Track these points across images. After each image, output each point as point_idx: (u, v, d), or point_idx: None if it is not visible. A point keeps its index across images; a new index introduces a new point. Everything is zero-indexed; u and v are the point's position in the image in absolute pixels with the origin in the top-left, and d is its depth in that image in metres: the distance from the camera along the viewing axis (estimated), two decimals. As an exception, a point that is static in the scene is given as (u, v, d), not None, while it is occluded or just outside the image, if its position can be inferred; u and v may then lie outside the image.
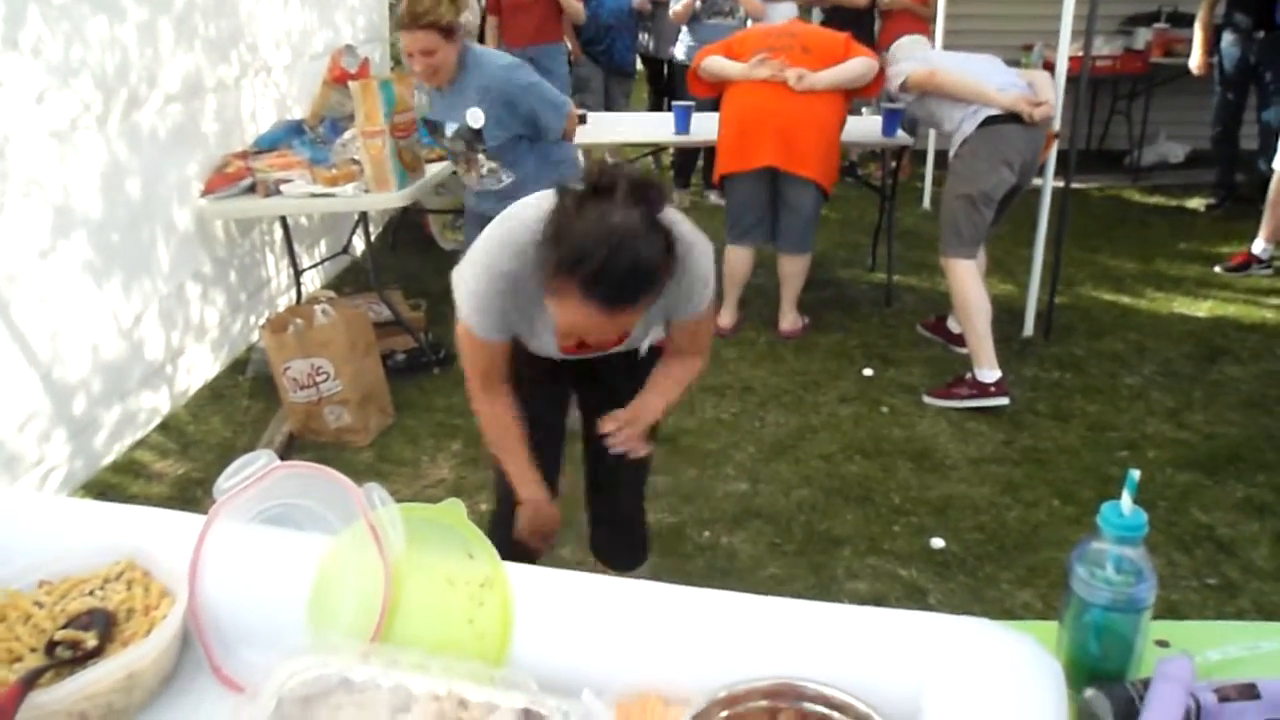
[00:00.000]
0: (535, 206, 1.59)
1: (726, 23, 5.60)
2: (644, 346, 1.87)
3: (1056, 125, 3.91)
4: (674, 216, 1.56)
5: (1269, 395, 3.64)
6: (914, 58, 3.83)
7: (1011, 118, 3.56)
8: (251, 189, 3.79)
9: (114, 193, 3.27)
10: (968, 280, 3.65)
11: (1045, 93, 3.66)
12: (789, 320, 4.35)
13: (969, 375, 3.66)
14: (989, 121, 3.58)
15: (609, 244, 1.38)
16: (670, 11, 5.82)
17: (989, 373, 3.61)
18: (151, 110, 3.50)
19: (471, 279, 1.65)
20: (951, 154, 3.75)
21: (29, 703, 0.99)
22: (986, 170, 3.59)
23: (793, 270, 4.27)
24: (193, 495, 3.13)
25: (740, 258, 4.26)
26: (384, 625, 1.11)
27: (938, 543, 2.80)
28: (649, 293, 1.46)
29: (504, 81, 3.01)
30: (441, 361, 4.05)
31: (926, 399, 3.69)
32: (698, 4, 5.61)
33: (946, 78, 3.65)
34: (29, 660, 1.09)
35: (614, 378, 1.93)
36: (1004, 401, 3.59)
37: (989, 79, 3.64)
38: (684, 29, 5.79)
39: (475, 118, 3.03)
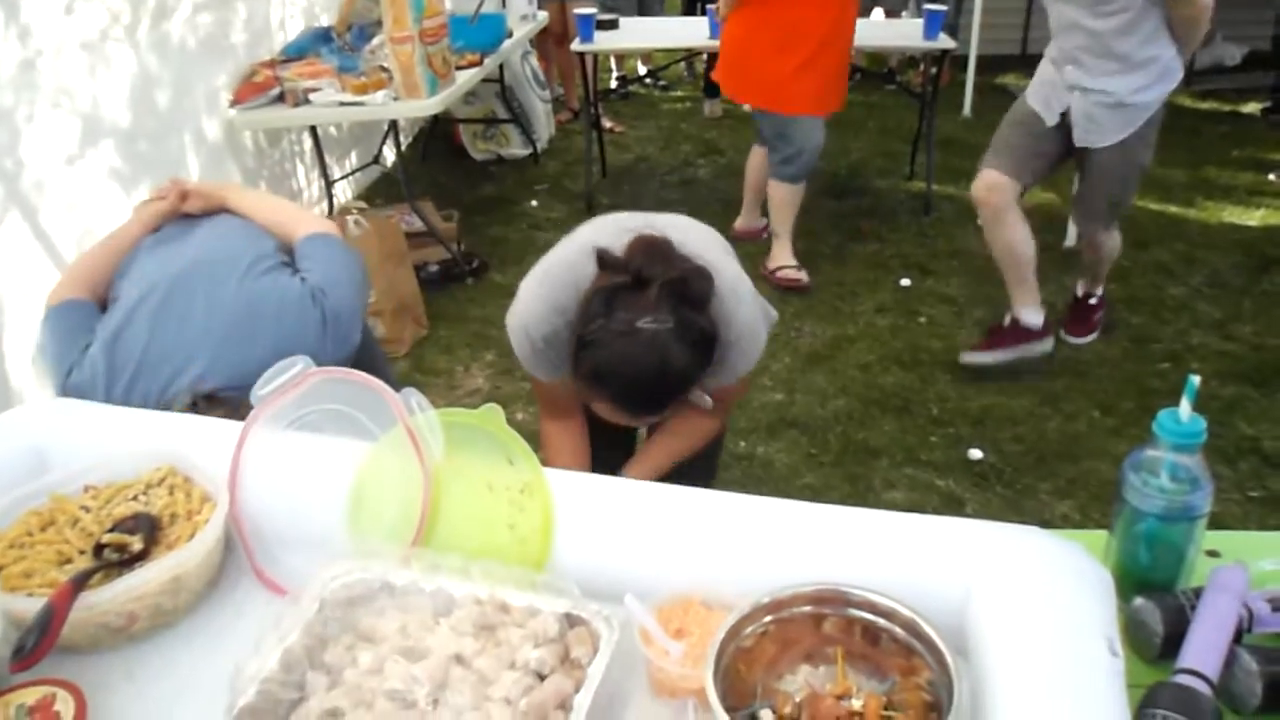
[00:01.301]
0: (572, 265, 1.51)
1: None
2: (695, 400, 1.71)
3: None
4: (729, 299, 1.48)
5: (1321, 306, 3.54)
6: None
7: None
8: (280, 99, 3.74)
9: (143, 103, 3.24)
10: (1114, 244, 3.24)
11: None
12: (743, 220, 4.32)
13: (1013, 321, 3.24)
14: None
15: (635, 361, 1.33)
16: None
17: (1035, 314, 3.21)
18: (180, 20, 3.44)
19: (515, 336, 1.59)
20: (1145, 106, 2.88)
21: (81, 602, 1.01)
22: (1151, 147, 3.04)
23: (773, 196, 3.98)
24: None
25: (758, 157, 4.16)
26: (424, 530, 1.11)
27: (975, 454, 2.79)
28: (678, 398, 1.42)
29: None
30: (475, 271, 4.02)
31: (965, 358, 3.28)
32: None
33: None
34: (78, 562, 1.11)
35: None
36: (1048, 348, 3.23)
37: None
38: None
39: None
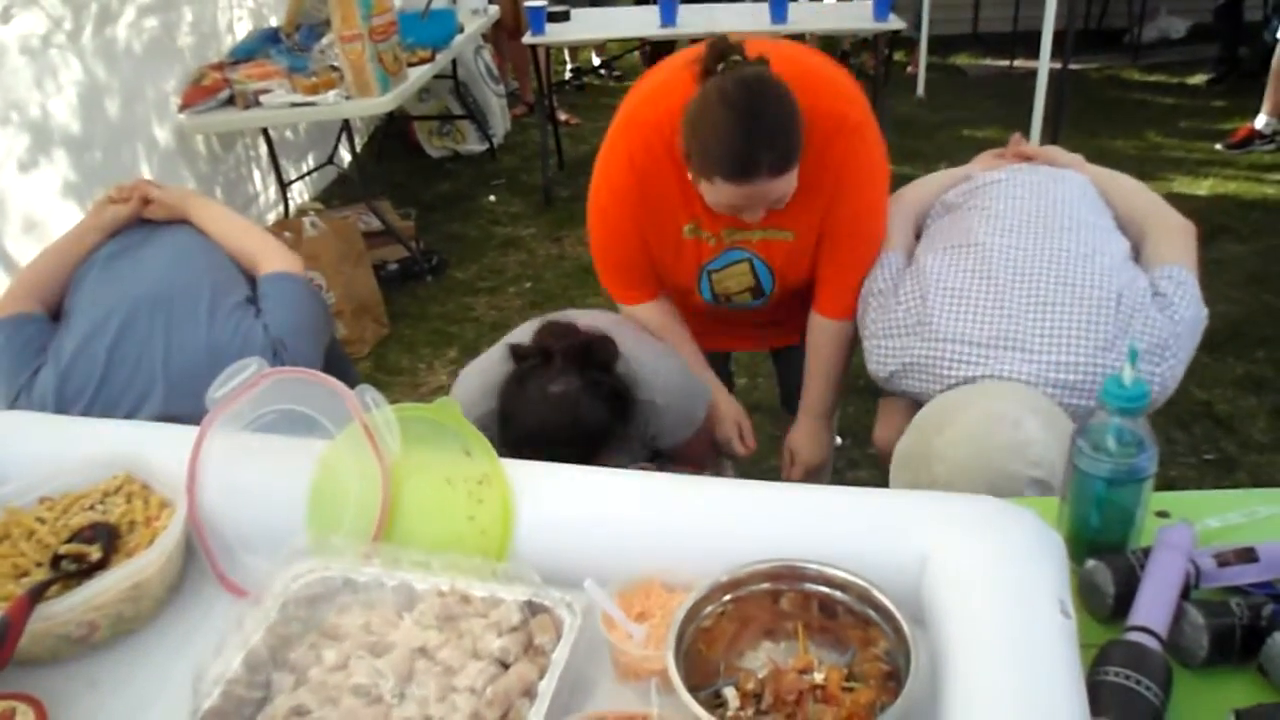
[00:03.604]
0: (496, 362, 1.60)
1: None
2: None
3: (1052, 5, 3.76)
4: (638, 362, 1.59)
5: (1270, 271, 3.61)
6: None
7: None
8: (230, 101, 3.70)
9: (92, 110, 3.19)
10: None
11: None
12: None
13: None
14: None
15: (549, 420, 1.45)
16: None
17: None
18: (125, 24, 3.39)
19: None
20: None
21: (39, 614, 1.00)
22: None
23: None
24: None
25: None
26: (384, 526, 1.11)
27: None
28: (603, 449, 1.48)
29: None
30: (434, 269, 4.01)
31: None
32: None
33: None
34: (35, 575, 1.10)
35: None
36: None
37: None
38: None
39: None
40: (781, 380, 2.31)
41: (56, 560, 1.11)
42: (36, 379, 1.64)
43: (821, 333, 1.84)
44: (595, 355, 1.52)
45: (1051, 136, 4.00)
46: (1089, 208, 1.68)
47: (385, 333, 3.60)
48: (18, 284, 1.83)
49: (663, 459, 1.74)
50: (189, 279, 1.77)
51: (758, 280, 1.79)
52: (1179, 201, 1.72)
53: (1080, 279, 1.50)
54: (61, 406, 1.60)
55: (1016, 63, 6.30)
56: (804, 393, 1.93)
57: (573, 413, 1.45)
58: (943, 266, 1.58)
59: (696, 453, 1.81)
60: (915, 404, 1.55)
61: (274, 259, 1.86)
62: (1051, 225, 1.60)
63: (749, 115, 1.42)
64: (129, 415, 1.60)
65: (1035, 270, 1.53)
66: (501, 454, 1.41)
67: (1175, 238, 1.64)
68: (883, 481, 2.29)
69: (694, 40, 4.83)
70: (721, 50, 1.47)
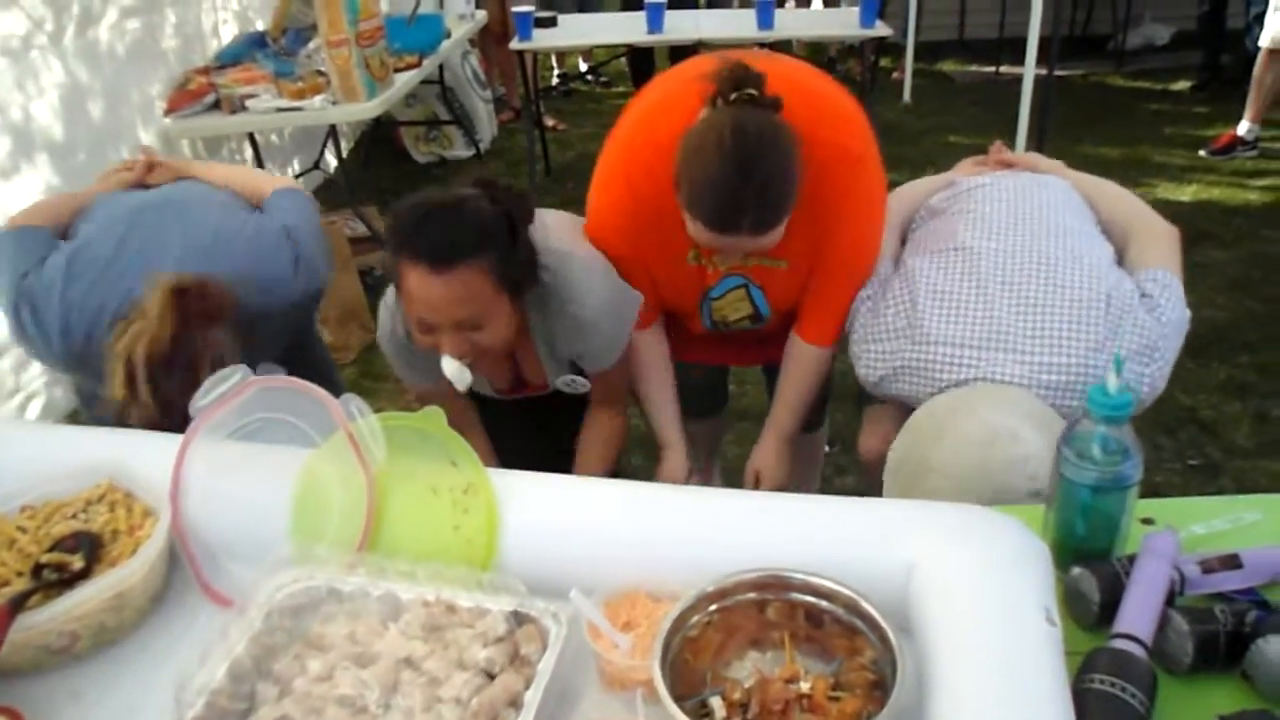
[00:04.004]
0: None
1: None
2: (566, 387, 1.74)
3: (1037, 13, 3.78)
4: (579, 272, 1.55)
5: (1252, 277, 3.63)
6: None
7: None
8: (216, 106, 3.68)
9: (75, 113, 3.17)
10: None
11: None
12: None
13: None
14: None
15: (428, 204, 1.41)
16: None
17: None
18: (107, 26, 3.37)
19: (381, 343, 1.67)
20: None
21: (19, 624, 0.99)
22: None
23: None
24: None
25: None
26: (369, 536, 1.10)
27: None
28: (475, 252, 1.38)
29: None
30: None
31: None
32: None
33: None
34: (16, 584, 1.09)
35: (554, 421, 1.87)
36: None
37: None
38: None
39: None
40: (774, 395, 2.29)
41: (38, 570, 1.10)
42: (46, 262, 1.69)
43: (800, 356, 1.82)
44: (507, 195, 1.45)
45: (1037, 142, 4.02)
46: (1072, 213, 1.69)
47: (371, 339, 3.58)
48: (22, 213, 1.88)
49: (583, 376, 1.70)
50: (200, 192, 1.88)
51: (755, 307, 1.77)
52: (1162, 207, 1.74)
53: (1069, 281, 1.51)
54: (69, 278, 1.64)
55: (1002, 69, 6.33)
56: (774, 413, 1.90)
57: (458, 205, 1.41)
58: (931, 269, 1.58)
59: (615, 388, 1.77)
60: (903, 411, 1.55)
61: (277, 182, 1.98)
62: (1037, 229, 1.61)
63: (740, 170, 1.37)
64: (137, 287, 1.58)
65: (1024, 272, 1.53)
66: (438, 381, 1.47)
67: (1160, 242, 1.65)
68: (870, 488, 2.29)
69: (678, 47, 4.84)
70: (738, 78, 1.41)
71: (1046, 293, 1.50)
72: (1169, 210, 1.72)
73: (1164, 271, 1.58)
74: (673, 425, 1.89)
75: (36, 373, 2.97)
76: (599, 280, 1.59)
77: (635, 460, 2.70)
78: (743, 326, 1.81)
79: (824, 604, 0.96)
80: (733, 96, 1.40)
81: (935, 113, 5.78)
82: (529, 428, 1.92)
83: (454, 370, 1.45)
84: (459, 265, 1.37)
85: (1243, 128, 4.80)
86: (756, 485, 1.93)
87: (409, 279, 1.39)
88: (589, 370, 1.68)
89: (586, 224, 1.72)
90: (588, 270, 1.58)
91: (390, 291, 1.56)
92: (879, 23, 4.35)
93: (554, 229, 1.58)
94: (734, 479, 2.66)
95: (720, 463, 2.58)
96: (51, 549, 1.12)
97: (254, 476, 1.17)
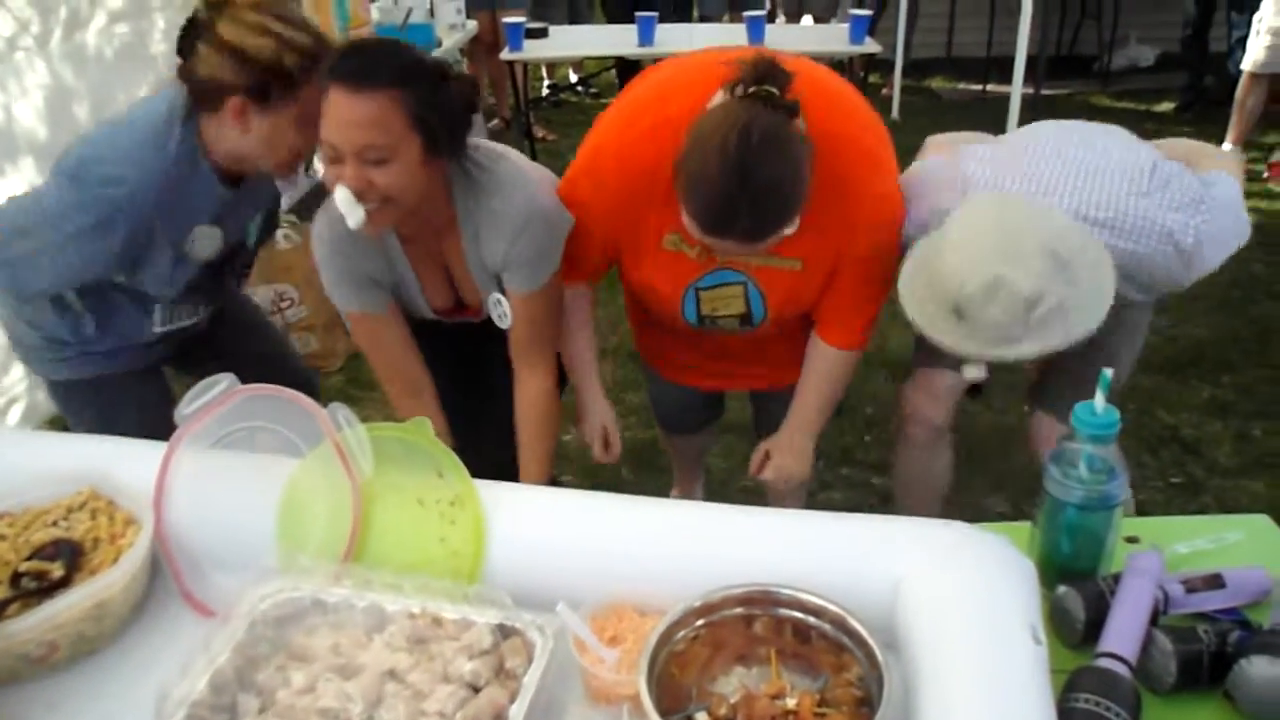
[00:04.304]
0: None
1: None
2: (495, 309, 1.67)
3: (1025, 33, 3.82)
4: (515, 174, 1.54)
5: (1234, 297, 3.66)
6: None
7: None
8: (204, 110, 3.66)
9: (60, 116, 3.15)
10: None
11: None
12: None
13: None
14: None
15: (367, 38, 1.42)
16: None
17: None
18: (95, 29, 3.35)
19: (316, 256, 1.63)
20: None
21: (-4, 634, 0.98)
22: None
23: None
24: (161, 426, 3.08)
25: None
26: (355, 546, 1.10)
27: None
28: (394, 82, 1.35)
29: None
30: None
31: None
32: None
33: None
34: (-6, 592, 1.07)
35: (489, 353, 1.79)
36: None
37: None
38: None
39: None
40: (758, 424, 2.15)
41: (16, 578, 1.09)
42: None
43: (826, 358, 1.74)
44: (449, 71, 1.46)
45: (1023, 161, 4.04)
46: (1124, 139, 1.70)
47: (357, 347, 3.57)
48: None
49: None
50: None
51: (749, 307, 1.69)
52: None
53: (1116, 152, 1.57)
54: None
55: (990, 87, 6.37)
56: (796, 408, 1.81)
57: (395, 42, 1.42)
58: (978, 156, 1.63)
59: (539, 319, 1.66)
60: (950, 374, 1.65)
61: None
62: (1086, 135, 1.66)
63: (738, 176, 1.31)
64: None
65: (1070, 151, 1.57)
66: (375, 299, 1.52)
67: (1221, 161, 1.67)
68: (855, 502, 2.29)
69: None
70: (762, 73, 1.34)
71: (1090, 157, 1.55)
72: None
73: (1222, 172, 1.59)
74: (590, 381, 1.84)
75: (18, 377, 2.94)
76: (530, 183, 1.56)
77: (626, 474, 2.70)
78: (730, 326, 1.73)
79: (811, 620, 0.96)
80: (751, 90, 1.33)
81: (923, 129, 5.71)
82: (462, 368, 1.88)
83: (346, 202, 1.39)
84: (374, 89, 1.34)
85: (1225, 149, 4.85)
86: (761, 469, 1.86)
87: (326, 102, 1.37)
88: (511, 291, 1.60)
89: (570, 166, 1.68)
90: (519, 171, 1.56)
91: (329, 199, 1.52)
92: (869, 39, 4.38)
93: (505, 151, 1.60)
94: (720, 494, 2.66)
95: (704, 475, 2.58)
96: (31, 557, 1.11)
97: (239, 485, 1.17)
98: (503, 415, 1.75)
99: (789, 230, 1.40)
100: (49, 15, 3.10)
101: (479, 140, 1.56)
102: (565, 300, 1.74)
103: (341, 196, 1.38)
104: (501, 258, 1.56)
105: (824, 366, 1.76)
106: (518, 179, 1.54)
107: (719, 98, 1.38)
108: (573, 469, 2.69)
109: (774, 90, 1.33)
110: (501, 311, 1.65)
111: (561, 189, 1.67)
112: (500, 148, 1.61)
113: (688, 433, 2.23)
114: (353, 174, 1.37)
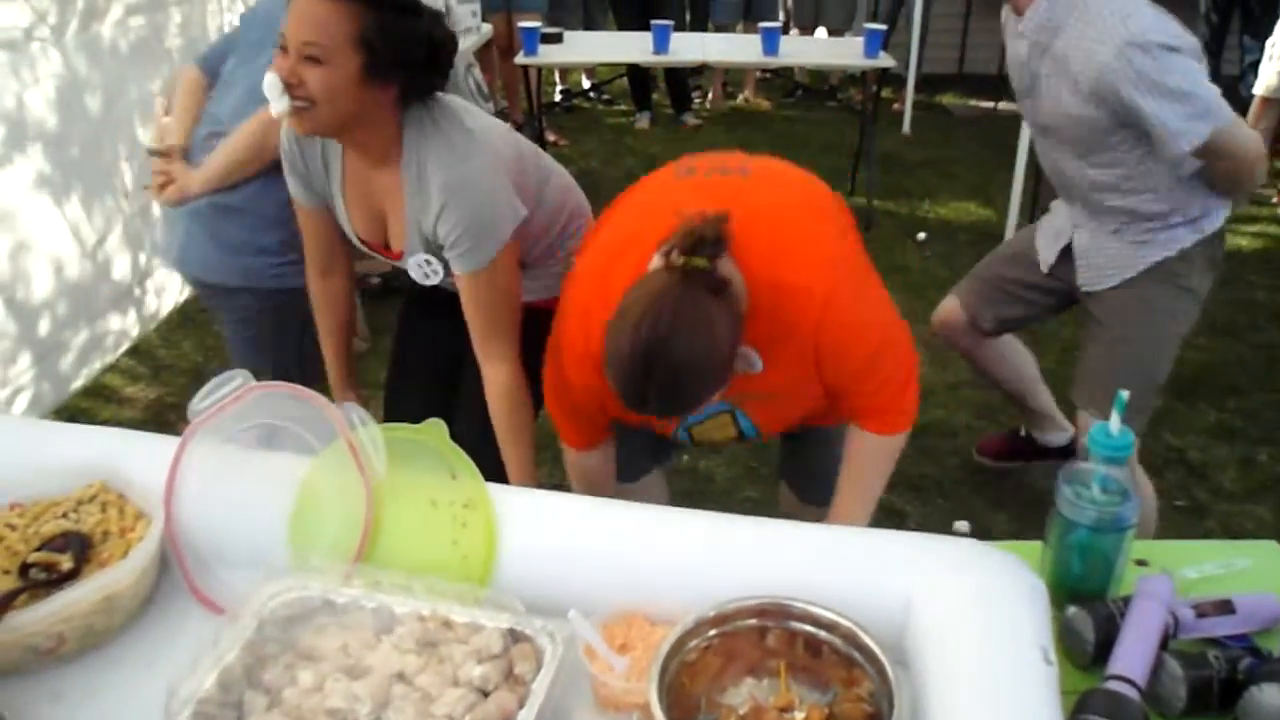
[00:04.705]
0: None
1: None
2: (418, 269, 1.68)
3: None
4: (464, 140, 1.56)
5: (1238, 321, 3.66)
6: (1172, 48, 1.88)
7: None
8: (217, 105, 3.68)
9: (73, 106, 3.16)
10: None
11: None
12: None
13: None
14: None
15: None
16: None
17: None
18: (111, 21, 3.36)
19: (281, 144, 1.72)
20: (1163, 244, 2.10)
21: (4, 624, 0.98)
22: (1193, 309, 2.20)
23: None
24: (166, 419, 3.08)
25: None
26: (366, 547, 1.09)
27: (961, 525, 2.64)
28: None
29: None
30: (416, 284, 3.99)
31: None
32: None
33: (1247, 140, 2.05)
34: (2, 584, 1.07)
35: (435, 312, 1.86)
36: None
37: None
38: None
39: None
40: (785, 470, 2.05)
41: (25, 569, 1.08)
42: None
43: (865, 444, 1.57)
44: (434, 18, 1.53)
45: (1035, 177, 4.05)
46: None
47: (366, 347, 3.57)
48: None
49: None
50: None
51: (740, 430, 1.62)
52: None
53: None
54: None
55: (1001, 105, 6.39)
56: (836, 504, 1.62)
57: None
58: None
59: (487, 306, 1.65)
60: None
61: None
62: None
63: (644, 361, 1.22)
64: None
65: None
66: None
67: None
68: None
69: (673, 69, 4.83)
70: (691, 244, 1.25)
71: None
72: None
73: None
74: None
75: (24, 366, 2.94)
76: (475, 158, 1.56)
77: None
78: (729, 445, 1.67)
79: (823, 634, 0.96)
80: (680, 261, 1.25)
81: (934, 145, 5.82)
82: (446, 343, 1.90)
83: (273, 88, 1.46)
84: None
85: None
86: None
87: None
88: (456, 273, 1.62)
89: (551, 335, 1.57)
90: (472, 143, 1.57)
91: None
92: (883, 53, 4.38)
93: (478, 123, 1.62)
94: (723, 505, 2.65)
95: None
96: (40, 548, 1.11)
97: (250, 482, 1.17)
98: (473, 405, 1.75)
99: (713, 398, 1.31)
100: (66, 7, 3.11)
101: (456, 100, 1.60)
102: (592, 474, 1.69)
103: (269, 82, 1.45)
104: (432, 225, 1.58)
105: (864, 454, 1.59)
106: (467, 149, 1.56)
107: (655, 261, 1.30)
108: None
109: (701, 263, 1.24)
110: (426, 272, 1.68)
111: (550, 347, 1.57)
112: (476, 115, 1.63)
113: (634, 478, 1.95)
114: (288, 65, 1.44)
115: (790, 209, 1.49)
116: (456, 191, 1.53)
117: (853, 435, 1.58)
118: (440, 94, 1.60)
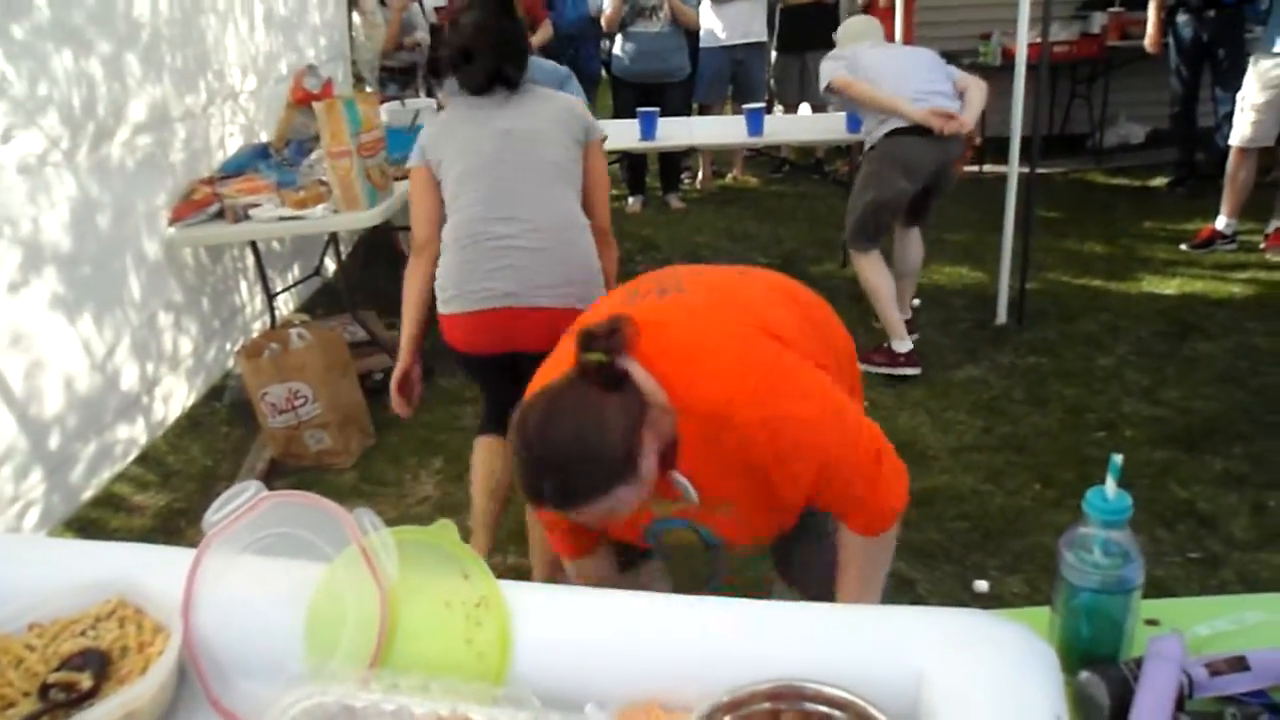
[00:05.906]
0: None
1: (650, 27, 5.66)
2: None
3: (1018, 114, 3.96)
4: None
5: (1239, 368, 3.69)
6: (841, 57, 3.83)
7: (920, 129, 3.62)
8: (219, 215, 3.76)
9: (84, 226, 3.24)
10: (869, 269, 3.89)
11: (971, 105, 3.70)
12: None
13: (885, 345, 3.87)
14: (896, 132, 3.66)
15: None
16: (603, 20, 5.88)
17: (901, 344, 3.85)
18: (119, 142, 3.47)
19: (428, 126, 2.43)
20: (862, 156, 3.92)
21: (26, 749, 0.99)
22: (888, 179, 3.73)
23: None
24: (176, 526, 3.10)
25: None
26: (382, 650, 1.10)
27: (981, 585, 2.66)
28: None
29: None
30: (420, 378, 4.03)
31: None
32: (625, 8, 5.65)
33: (862, 89, 3.71)
34: (22, 706, 1.08)
35: None
36: (914, 371, 3.82)
37: (906, 87, 3.67)
38: (617, 38, 5.84)
39: None
40: (778, 562, 2.01)
41: (45, 690, 1.09)
42: None
43: (855, 545, 1.55)
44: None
45: (1023, 238, 4.12)
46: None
47: (371, 443, 3.60)
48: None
49: None
50: None
51: (704, 542, 1.63)
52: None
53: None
54: None
55: (985, 168, 6.51)
56: (841, 599, 1.60)
57: None
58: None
59: (599, 182, 2.55)
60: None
61: None
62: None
63: (531, 450, 1.27)
64: None
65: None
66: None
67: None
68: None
69: (668, 154, 4.95)
70: (589, 339, 1.31)
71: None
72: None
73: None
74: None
75: (35, 480, 2.96)
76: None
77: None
78: (695, 552, 1.67)
79: (837, 714, 0.96)
80: (584, 355, 1.30)
81: (922, 211, 5.92)
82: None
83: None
84: None
85: (1220, 222, 4.92)
86: None
87: None
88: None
89: None
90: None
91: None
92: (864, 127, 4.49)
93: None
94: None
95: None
96: (59, 667, 1.12)
97: (266, 591, 1.18)
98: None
99: (621, 495, 1.29)
100: (78, 131, 3.21)
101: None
102: (595, 576, 1.73)
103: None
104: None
105: (857, 553, 1.57)
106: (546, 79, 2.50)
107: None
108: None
109: (595, 358, 1.29)
110: None
111: None
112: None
113: (633, 565, 1.94)
114: None
115: (708, 319, 1.49)
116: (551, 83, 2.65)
117: (842, 533, 1.56)
118: None
